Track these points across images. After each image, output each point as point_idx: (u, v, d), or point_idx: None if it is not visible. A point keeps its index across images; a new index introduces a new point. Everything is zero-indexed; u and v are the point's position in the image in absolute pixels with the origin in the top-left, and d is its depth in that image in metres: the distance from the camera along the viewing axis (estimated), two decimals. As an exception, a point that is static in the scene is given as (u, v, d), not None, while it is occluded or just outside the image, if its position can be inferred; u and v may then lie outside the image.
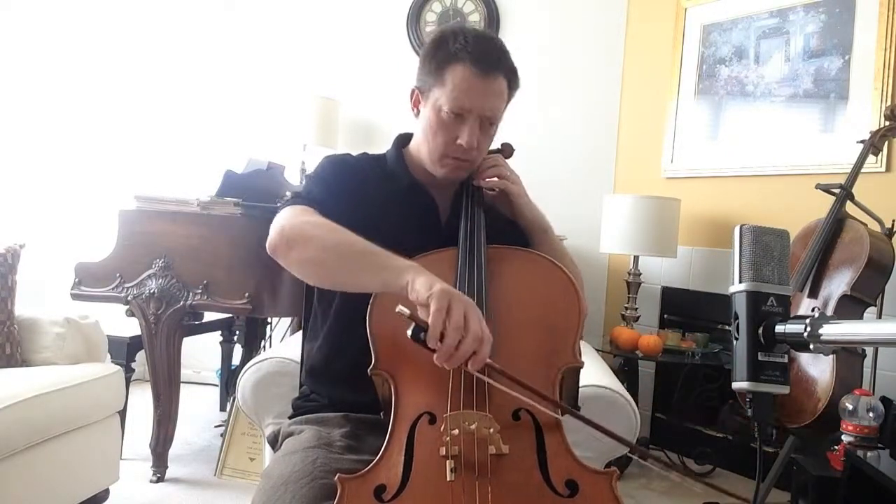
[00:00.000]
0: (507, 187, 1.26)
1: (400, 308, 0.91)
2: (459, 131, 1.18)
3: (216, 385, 3.39)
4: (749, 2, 2.89)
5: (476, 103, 1.16)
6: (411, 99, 1.27)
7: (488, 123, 1.20)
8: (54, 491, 1.84)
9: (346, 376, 1.17)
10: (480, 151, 1.23)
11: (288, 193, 2.42)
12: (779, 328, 0.75)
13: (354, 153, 1.33)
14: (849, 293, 2.02)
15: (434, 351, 0.91)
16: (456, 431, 0.92)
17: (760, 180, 2.83)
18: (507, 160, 1.34)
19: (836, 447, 1.88)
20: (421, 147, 1.25)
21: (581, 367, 1.08)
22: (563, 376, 1.04)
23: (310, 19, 3.64)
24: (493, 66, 1.17)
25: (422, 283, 0.94)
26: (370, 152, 1.35)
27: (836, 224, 2.14)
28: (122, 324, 2.42)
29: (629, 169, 3.29)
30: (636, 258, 2.90)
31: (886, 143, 2.30)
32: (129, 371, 2.35)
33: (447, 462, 0.89)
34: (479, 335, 0.91)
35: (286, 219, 1.11)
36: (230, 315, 2.92)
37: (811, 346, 0.71)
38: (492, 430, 0.92)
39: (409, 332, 0.91)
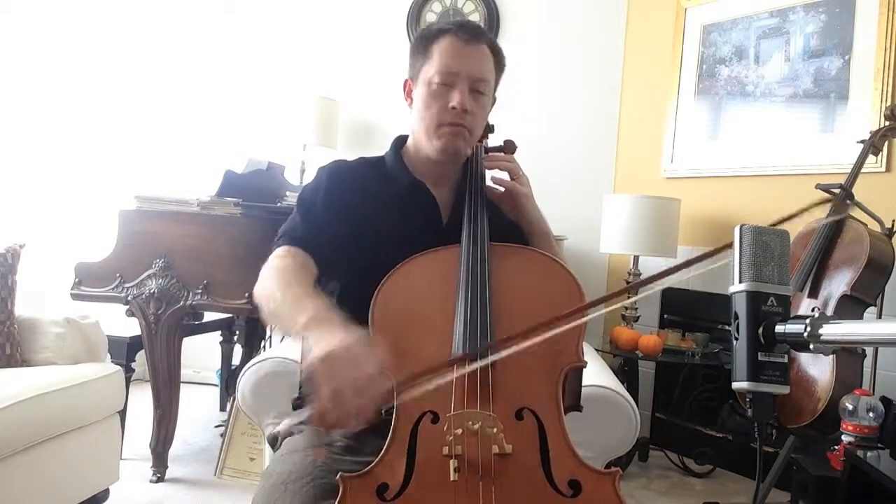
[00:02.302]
0: (516, 188, 1.26)
1: (274, 428, 0.91)
2: (450, 97, 1.20)
3: (216, 385, 3.40)
4: (749, 2, 2.89)
5: (463, 66, 1.19)
6: (404, 90, 1.29)
7: (478, 91, 1.22)
8: (54, 491, 1.84)
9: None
10: (475, 118, 1.23)
11: (287, 194, 2.43)
12: (779, 328, 0.75)
13: (353, 155, 1.35)
14: (849, 293, 2.02)
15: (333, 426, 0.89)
16: (460, 431, 0.92)
17: (760, 180, 2.83)
18: None
19: (836, 447, 1.88)
20: (417, 128, 1.26)
21: (584, 367, 1.08)
22: (566, 376, 1.04)
23: (310, 19, 3.64)
24: (477, 35, 1.22)
25: (307, 363, 0.92)
26: (368, 155, 1.36)
27: (836, 224, 2.13)
28: (122, 324, 2.42)
29: (629, 169, 3.28)
30: (636, 258, 2.90)
31: (886, 143, 2.30)
32: (129, 371, 2.35)
33: (451, 462, 0.89)
34: (351, 401, 0.85)
35: (263, 270, 1.15)
36: (230, 315, 2.92)
37: (811, 346, 0.71)
38: (495, 430, 0.92)
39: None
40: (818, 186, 2.27)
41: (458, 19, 1.27)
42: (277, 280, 1.12)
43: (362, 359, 0.88)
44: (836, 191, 2.19)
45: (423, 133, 1.25)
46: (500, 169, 1.28)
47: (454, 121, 1.21)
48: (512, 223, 1.29)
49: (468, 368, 0.96)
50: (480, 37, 1.23)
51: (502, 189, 1.28)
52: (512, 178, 1.29)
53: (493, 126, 1.42)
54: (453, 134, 1.22)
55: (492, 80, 1.25)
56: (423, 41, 1.24)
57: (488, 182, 1.32)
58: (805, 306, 2.10)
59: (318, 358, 0.88)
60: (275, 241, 1.22)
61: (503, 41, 3.47)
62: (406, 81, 1.28)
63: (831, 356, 1.95)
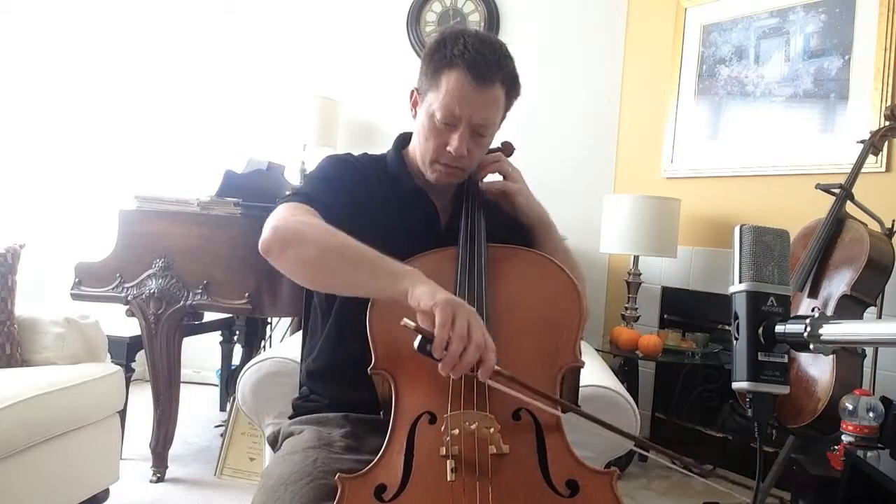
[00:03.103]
0: (507, 187, 1.26)
1: (405, 321, 0.91)
2: (449, 138, 1.17)
3: (216, 385, 3.40)
4: (749, 2, 2.89)
5: (466, 112, 1.14)
6: (410, 99, 1.26)
7: (479, 133, 1.18)
8: (54, 491, 1.84)
9: (347, 376, 1.16)
10: (472, 159, 1.21)
11: (287, 193, 2.43)
12: (779, 328, 0.75)
13: (355, 153, 1.33)
14: (849, 293, 2.02)
15: (440, 360, 0.91)
16: (456, 431, 0.92)
17: (760, 180, 2.83)
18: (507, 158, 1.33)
19: (836, 447, 1.88)
20: (416, 148, 1.26)
21: (582, 367, 1.08)
22: (564, 376, 1.04)
23: (310, 19, 3.64)
24: (490, 74, 1.14)
25: (423, 292, 0.93)
26: (370, 153, 1.35)
27: (836, 224, 2.13)
28: (122, 324, 2.42)
29: (629, 169, 3.28)
30: (636, 258, 2.90)
31: (886, 143, 2.30)
32: (129, 371, 2.35)
33: (447, 462, 0.89)
34: (482, 344, 0.91)
35: (281, 217, 1.08)
36: (230, 315, 2.92)
37: (811, 346, 0.71)
38: (492, 430, 0.93)
39: (415, 345, 0.91)
40: (818, 186, 2.27)
41: (476, 42, 1.15)
42: (326, 229, 1.05)
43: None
44: (836, 191, 2.19)
45: (419, 157, 1.24)
46: (491, 172, 1.27)
47: (449, 163, 1.19)
48: (512, 221, 1.28)
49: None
50: (495, 74, 1.14)
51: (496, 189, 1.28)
52: (504, 178, 1.28)
53: None
54: (447, 173, 1.21)
55: (497, 119, 1.21)
56: (433, 62, 1.17)
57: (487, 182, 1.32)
58: (805, 306, 2.10)
59: (452, 298, 0.93)
60: (287, 195, 1.15)
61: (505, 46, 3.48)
62: (413, 92, 1.25)
63: (831, 356, 1.95)
